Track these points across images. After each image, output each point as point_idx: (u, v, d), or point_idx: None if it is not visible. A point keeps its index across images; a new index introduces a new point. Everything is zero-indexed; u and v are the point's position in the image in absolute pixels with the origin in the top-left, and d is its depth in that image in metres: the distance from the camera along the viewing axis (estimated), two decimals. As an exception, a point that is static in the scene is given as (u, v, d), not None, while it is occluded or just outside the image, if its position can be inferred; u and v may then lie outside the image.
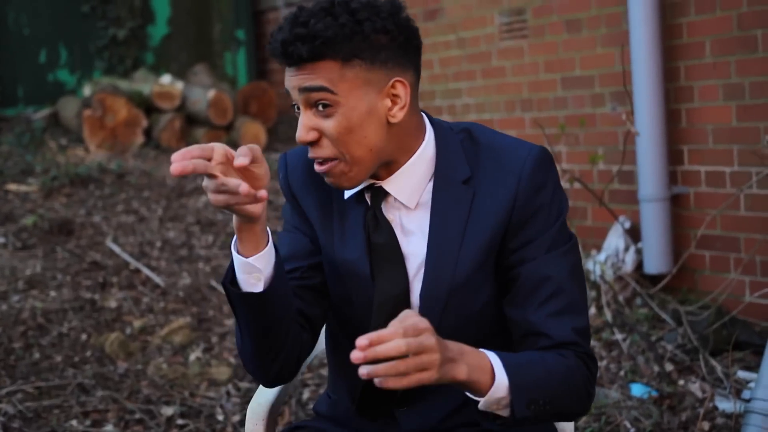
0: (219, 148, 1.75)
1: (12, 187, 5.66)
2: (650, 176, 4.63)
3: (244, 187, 1.66)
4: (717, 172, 4.52)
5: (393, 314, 1.87)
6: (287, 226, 2.13)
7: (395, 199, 1.98)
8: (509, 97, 5.58)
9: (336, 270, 2.03)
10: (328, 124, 1.85)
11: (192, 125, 6.82)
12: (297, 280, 2.04)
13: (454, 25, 5.88)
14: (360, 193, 2.00)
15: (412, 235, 1.98)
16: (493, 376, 1.76)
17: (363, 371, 1.56)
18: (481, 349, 1.79)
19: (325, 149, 1.87)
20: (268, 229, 1.92)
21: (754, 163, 4.30)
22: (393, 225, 2.00)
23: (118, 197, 5.60)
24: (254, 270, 1.83)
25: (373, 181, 1.97)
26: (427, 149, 1.98)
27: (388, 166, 1.95)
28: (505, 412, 1.79)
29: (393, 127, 1.91)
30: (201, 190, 5.74)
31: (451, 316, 1.96)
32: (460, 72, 5.89)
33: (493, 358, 1.78)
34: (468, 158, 1.98)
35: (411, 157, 1.96)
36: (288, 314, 1.96)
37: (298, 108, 1.89)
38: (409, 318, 1.65)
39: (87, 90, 6.85)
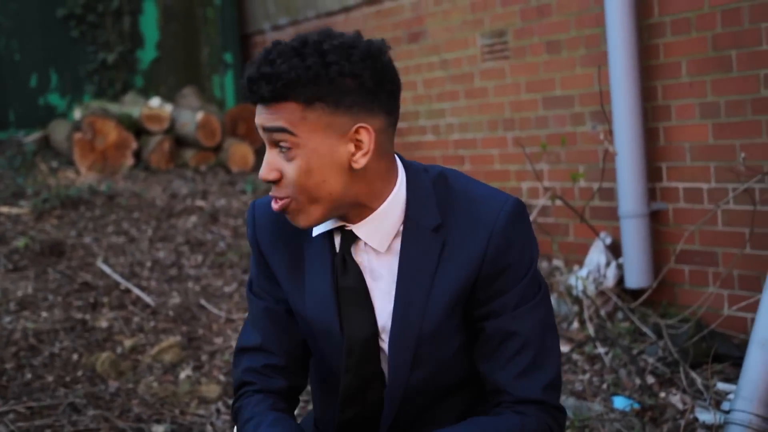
0: None
1: (3, 209, 5.65)
2: (630, 193, 4.65)
3: None
4: (695, 189, 4.54)
5: (362, 359, 1.95)
6: (256, 289, 2.12)
7: (365, 243, 1.94)
8: (492, 116, 5.61)
9: (307, 325, 2.02)
10: (289, 167, 1.82)
11: (181, 147, 6.82)
12: (295, 359, 2.10)
13: (438, 46, 5.93)
14: (330, 237, 1.97)
15: (381, 280, 1.95)
16: None
17: None
18: None
19: (284, 189, 1.84)
20: None
21: (730, 179, 4.33)
22: (362, 268, 1.96)
23: (108, 218, 5.61)
24: None
25: (342, 224, 1.93)
26: (399, 194, 1.94)
27: (360, 210, 1.90)
28: None
29: (357, 173, 1.85)
30: (190, 210, 5.78)
31: (423, 365, 1.95)
32: (444, 93, 5.94)
33: None
34: (440, 204, 1.94)
35: (383, 202, 1.91)
36: None
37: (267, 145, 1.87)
38: None
39: (77, 113, 6.86)
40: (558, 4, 5.12)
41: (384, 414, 1.99)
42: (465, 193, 1.95)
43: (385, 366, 1.99)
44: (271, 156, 1.83)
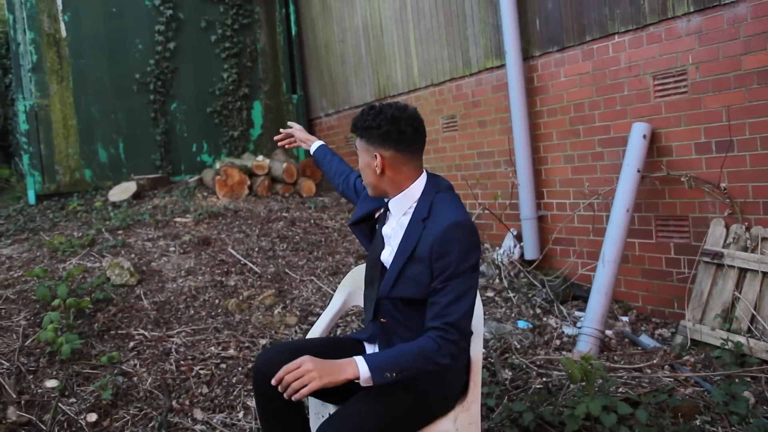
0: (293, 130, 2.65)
1: (178, 219, 5.68)
2: (526, 206, 4.67)
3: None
4: (562, 203, 4.56)
5: (374, 264, 2.05)
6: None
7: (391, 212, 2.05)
8: (448, 163, 5.62)
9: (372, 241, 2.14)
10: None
11: (274, 183, 6.81)
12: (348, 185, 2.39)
13: None
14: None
15: (399, 228, 2.01)
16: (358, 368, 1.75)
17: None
18: (355, 358, 1.77)
19: None
20: (314, 144, 2.57)
21: (580, 198, 4.37)
22: (388, 222, 2.05)
23: (234, 224, 5.60)
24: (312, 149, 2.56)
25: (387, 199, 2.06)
26: (412, 191, 1.98)
27: (392, 193, 2.01)
28: (376, 381, 1.76)
29: (381, 175, 1.98)
30: (279, 219, 5.74)
31: (403, 289, 1.93)
32: None
33: (358, 359, 1.76)
34: (430, 207, 1.94)
35: (400, 192, 1.98)
36: (330, 165, 2.47)
37: None
38: (299, 360, 1.73)
39: (217, 165, 6.85)
40: (484, 100, 5.12)
41: (378, 295, 2.03)
42: (440, 207, 1.92)
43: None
44: None
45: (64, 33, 6.74)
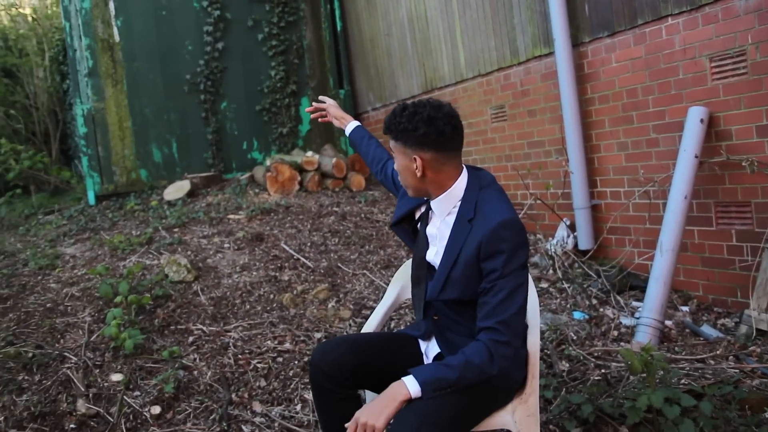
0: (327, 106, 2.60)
1: (231, 216, 5.75)
2: (580, 195, 4.60)
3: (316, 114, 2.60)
4: (616, 191, 4.48)
5: (418, 265, 2.03)
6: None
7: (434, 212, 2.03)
8: (498, 154, 5.58)
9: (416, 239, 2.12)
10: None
11: (324, 178, 6.86)
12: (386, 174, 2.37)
13: (465, 115, 5.90)
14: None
15: (445, 228, 1.99)
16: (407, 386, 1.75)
17: None
18: (403, 378, 1.77)
19: None
20: (350, 125, 2.54)
21: (635, 185, 4.28)
22: (432, 221, 2.03)
23: (286, 219, 5.64)
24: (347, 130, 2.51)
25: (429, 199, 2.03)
26: (455, 190, 1.94)
27: (435, 192, 1.97)
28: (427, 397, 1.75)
29: (423, 177, 1.93)
30: (330, 213, 5.77)
31: (453, 291, 1.92)
32: (470, 141, 5.92)
33: (407, 380, 1.76)
34: (476, 206, 1.91)
35: (443, 193, 1.95)
36: (368, 150, 2.44)
37: None
38: (353, 419, 1.73)
39: (267, 162, 6.92)
40: (533, 89, 5.06)
41: (427, 297, 2.04)
42: (486, 206, 1.89)
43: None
44: None
45: (117, 38, 6.93)
